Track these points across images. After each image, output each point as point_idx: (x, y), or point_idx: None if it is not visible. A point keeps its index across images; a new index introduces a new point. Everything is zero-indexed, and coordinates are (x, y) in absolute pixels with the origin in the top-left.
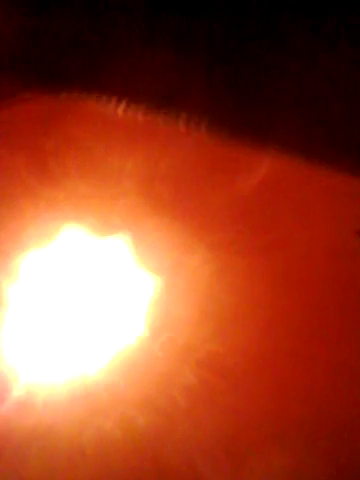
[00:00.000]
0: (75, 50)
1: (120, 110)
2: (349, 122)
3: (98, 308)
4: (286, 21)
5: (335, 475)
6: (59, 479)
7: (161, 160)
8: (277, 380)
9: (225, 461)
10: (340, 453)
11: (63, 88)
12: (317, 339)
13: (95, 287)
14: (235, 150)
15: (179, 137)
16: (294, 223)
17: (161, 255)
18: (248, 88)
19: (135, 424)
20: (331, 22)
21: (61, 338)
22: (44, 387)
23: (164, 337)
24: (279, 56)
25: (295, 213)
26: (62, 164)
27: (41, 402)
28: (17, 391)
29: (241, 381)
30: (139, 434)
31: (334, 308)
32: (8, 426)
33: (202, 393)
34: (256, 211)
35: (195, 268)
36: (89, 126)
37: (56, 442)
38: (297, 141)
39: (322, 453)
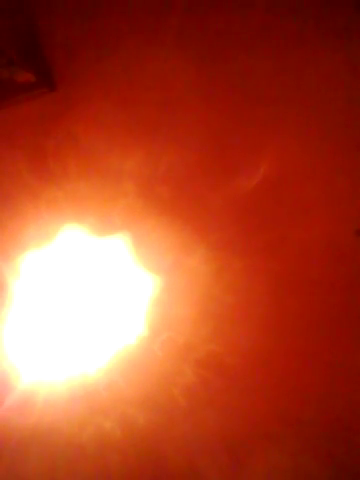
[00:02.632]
0: (75, 50)
1: (120, 110)
2: (349, 122)
3: (98, 308)
4: (287, 21)
5: (333, 473)
6: (59, 477)
7: (161, 161)
8: (276, 379)
9: (224, 459)
10: (338, 452)
11: (63, 88)
12: (316, 338)
13: (95, 287)
14: (235, 150)
15: (179, 138)
16: (293, 223)
17: (160, 255)
18: (248, 88)
19: (135, 423)
20: (331, 22)
21: (61, 337)
22: (45, 386)
23: (164, 336)
24: (280, 56)
25: (294, 213)
26: (62, 164)
27: (42, 401)
28: (18, 390)
29: (240, 380)
30: (139, 433)
31: (333, 308)
32: (9, 425)
33: (202, 392)
34: (255, 211)
35: (194, 268)
36: (89, 126)
37: (56, 440)
38: (297, 141)
39: (320, 452)
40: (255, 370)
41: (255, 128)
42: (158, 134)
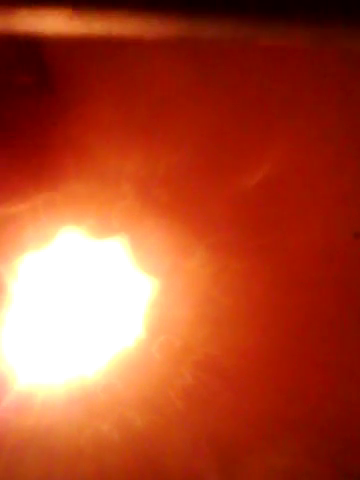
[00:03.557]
0: (74, 52)
1: (118, 113)
2: (349, 123)
3: (96, 310)
4: (287, 20)
5: (331, 475)
6: (57, 479)
7: (159, 163)
8: (274, 381)
9: (222, 460)
10: (336, 453)
11: (61, 90)
12: (314, 341)
13: (93, 289)
14: (233, 152)
15: (177, 140)
16: (292, 225)
17: (159, 257)
18: (247, 89)
19: (133, 425)
20: (331, 21)
21: (59, 340)
22: (42, 388)
23: (162, 339)
24: (279, 56)
25: (293, 215)
26: (60, 166)
27: (39, 403)
28: (16, 392)
29: (238, 383)
30: (137, 435)
31: (332, 310)
32: (7, 427)
33: (199, 394)
34: (254, 213)
35: (193, 270)
36: (87, 128)
37: (54, 443)
38: (296, 143)
39: (318, 453)
40: (253, 372)
41: (254, 130)
42: (157, 136)
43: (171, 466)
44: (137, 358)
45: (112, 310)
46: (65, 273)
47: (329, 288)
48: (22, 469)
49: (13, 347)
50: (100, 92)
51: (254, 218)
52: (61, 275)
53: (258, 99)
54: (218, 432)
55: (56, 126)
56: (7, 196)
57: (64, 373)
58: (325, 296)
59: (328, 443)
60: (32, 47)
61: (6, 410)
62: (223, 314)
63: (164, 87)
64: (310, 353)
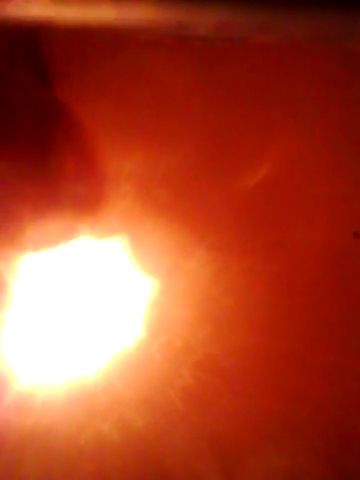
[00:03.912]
0: (74, 51)
1: (118, 113)
2: (349, 123)
3: (96, 310)
4: (287, 18)
5: (331, 475)
6: (57, 479)
7: (159, 163)
8: (275, 382)
9: (223, 461)
10: (336, 454)
11: (60, 89)
12: (315, 341)
13: (93, 289)
14: (234, 152)
15: (177, 140)
16: (293, 225)
17: (159, 257)
18: (247, 90)
19: (133, 426)
20: (331, 20)
21: (59, 340)
22: (42, 388)
23: (162, 339)
24: (279, 56)
25: (294, 215)
26: (61, 165)
27: (39, 403)
28: (15, 392)
29: (239, 383)
30: (137, 436)
31: (332, 310)
32: (6, 427)
33: (200, 395)
34: (255, 213)
35: (193, 270)
36: (87, 128)
37: (54, 443)
38: (297, 143)
39: (318, 454)
40: (253, 372)
41: (254, 130)
42: (157, 136)
43: (171, 466)
44: (137, 358)
45: (112, 310)
46: (65, 273)
47: (329, 288)
48: (22, 469)
49: (13, 347)
50: (100, 92)
51: (254, 218)
52: (61, 275)
53: (258, 99)
54: (218, 432)
55: (56, 126)
56: (7, 196)
57: (64, 373)
58: (325, 296)
59: (328, 443)
60: (32, 46)
61: (6, 410)
62: (223, 314)
63: (164, 87)
64: (310, 353)
